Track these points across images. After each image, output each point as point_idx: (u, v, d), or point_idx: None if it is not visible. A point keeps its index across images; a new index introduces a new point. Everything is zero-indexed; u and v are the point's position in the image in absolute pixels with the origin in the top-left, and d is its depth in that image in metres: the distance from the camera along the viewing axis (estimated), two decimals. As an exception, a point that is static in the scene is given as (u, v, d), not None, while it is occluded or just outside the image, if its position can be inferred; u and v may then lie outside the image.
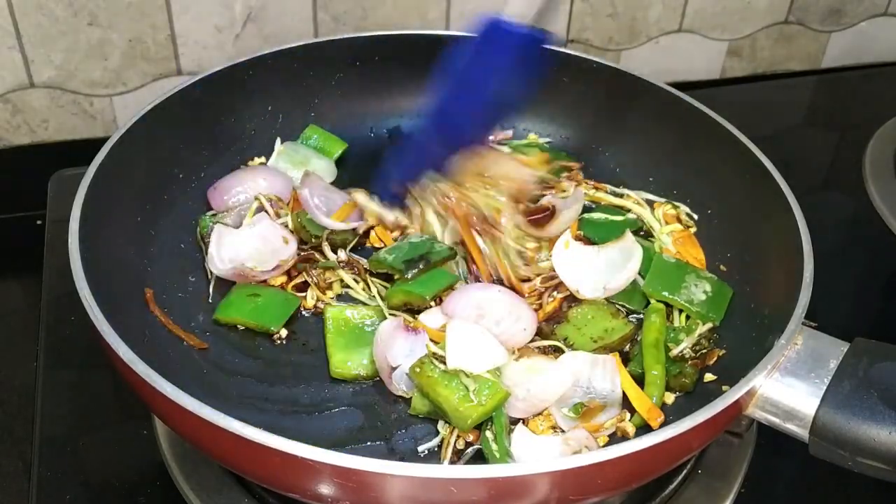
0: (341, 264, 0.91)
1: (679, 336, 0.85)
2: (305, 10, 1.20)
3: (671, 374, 0.82)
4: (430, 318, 0.84)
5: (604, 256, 0.90)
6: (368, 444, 0.78)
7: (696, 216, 1.00)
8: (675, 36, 1.39)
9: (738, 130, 0.95)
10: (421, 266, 0.87)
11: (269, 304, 0.88)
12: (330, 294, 0.91)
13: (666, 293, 0.87)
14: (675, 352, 0.83)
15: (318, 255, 0.93)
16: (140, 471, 0.84)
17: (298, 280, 0.91)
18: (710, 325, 0.86)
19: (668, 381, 0.82)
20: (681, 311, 0.88)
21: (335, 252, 0.93)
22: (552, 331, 0.85)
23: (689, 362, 0.82)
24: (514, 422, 0.78)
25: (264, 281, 0.90)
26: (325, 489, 0.64)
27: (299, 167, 1.01)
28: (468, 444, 0.77)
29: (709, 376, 0.83)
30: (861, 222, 1.20)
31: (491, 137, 1.07)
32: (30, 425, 0.87)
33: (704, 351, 0.84)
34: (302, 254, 0.92)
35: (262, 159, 1.04)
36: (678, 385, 0.82)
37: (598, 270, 0.89)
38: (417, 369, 0.77)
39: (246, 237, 0.92)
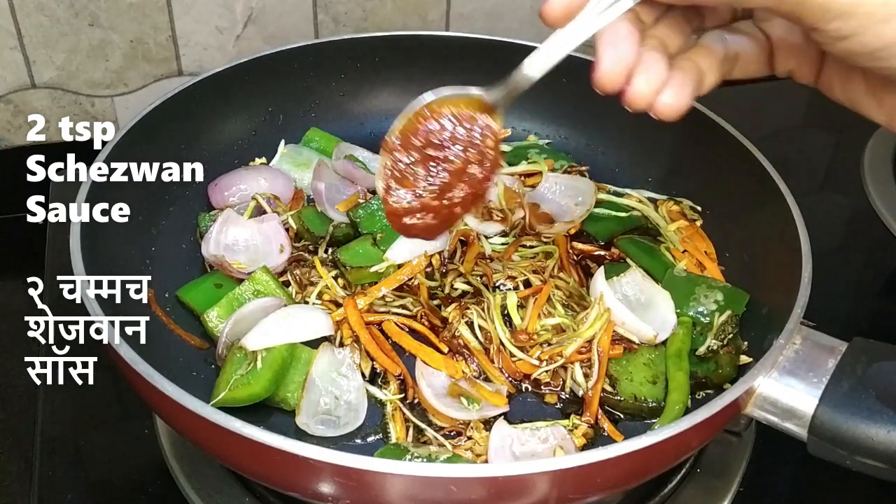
0: (327, 265, 0.91)
1: (702, 338, 0.85)
2: (306, 11, 1.20)
3: (711, 372, 0.82)
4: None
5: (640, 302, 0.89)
6: (370, 440, 0.78)
7: (699, 207, 1.00)
8: (674, 36, 1.39)
9: (737, 130, 0.95)
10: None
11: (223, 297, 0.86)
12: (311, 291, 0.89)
13: (676, 309, 0.87)
14: (702, 349, 0.83)
15: (307, 256, 0.92)
16: (141, 470, 0.85)
17: (282, 279, 0.90)
18: (728, 313, 0.86)
19: (712, 379, 0.82)
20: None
21: (326, 251, 0.93)
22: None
23: (722, 352, 0.83)
24: (495, 418, 0.79)
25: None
26: (326, 488, 0.64)
27: (302, 168, 1.02)
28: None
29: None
30: (859, 222, 1.20)
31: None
32: (31, 425, 0.88)
33: (731, 335, 0.84)
34: (294, 254, 0.92)
35: (263, 160, 1.05)
36: (722, 379, 0.82)
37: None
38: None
39: (250, 230, 0.92)
